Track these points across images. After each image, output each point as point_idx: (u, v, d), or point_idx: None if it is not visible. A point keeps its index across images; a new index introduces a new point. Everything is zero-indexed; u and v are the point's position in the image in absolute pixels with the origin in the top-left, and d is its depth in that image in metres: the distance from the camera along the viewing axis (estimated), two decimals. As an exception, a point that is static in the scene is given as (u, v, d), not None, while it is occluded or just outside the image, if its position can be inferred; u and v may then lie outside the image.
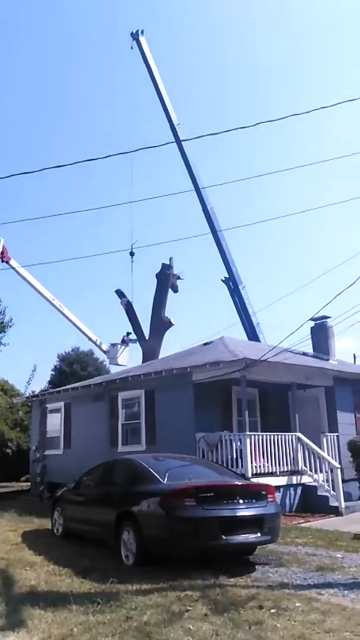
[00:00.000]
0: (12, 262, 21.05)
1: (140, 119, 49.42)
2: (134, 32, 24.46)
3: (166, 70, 45.59)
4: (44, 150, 56.77)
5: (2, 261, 20.94)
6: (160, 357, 21.72)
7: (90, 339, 23.96)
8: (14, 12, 47.73)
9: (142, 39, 24.53)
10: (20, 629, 4.52)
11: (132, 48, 24.38)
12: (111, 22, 47.14)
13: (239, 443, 12.31)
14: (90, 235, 58.84)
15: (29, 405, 20.73)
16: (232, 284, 23.52)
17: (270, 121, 8.30)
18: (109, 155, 9.26)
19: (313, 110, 8.57)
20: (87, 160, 9.76)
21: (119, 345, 23.66)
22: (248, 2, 48.81)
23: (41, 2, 49.30)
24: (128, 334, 24.17)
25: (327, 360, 16.13)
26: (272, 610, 4.90)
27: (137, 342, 24.09)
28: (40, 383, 33.01)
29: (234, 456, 12.23)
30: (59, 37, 49.85)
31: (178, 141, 21.88)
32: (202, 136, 9.95)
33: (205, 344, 16.28)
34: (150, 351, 22.93)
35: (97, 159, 9.37)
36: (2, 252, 20.77)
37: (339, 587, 5.75)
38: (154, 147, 9.87)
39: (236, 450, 12.29)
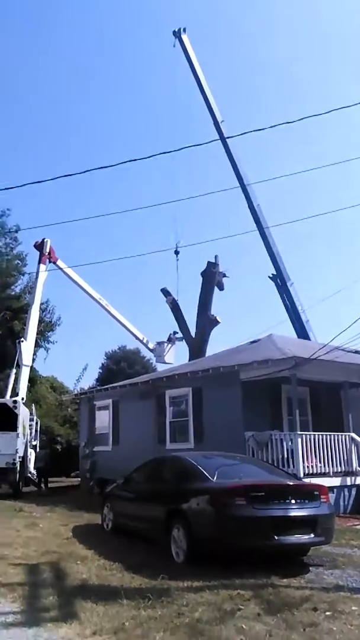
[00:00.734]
0: (59, 262, 21.56)
1: (183, 119, 49.46)
2: (177, 30, 24.60)
3: (210, 67, 45.28)
4: (82, 151, 57.81)
5: (50, 262, 21.48)
6: (206, 355, 21.71)
7: (137, 338, 24.21)
8: (53, 6, 48.63)
9: (184, 37, 24.58)
10: (73, 621, 4.60)
11: (174, 46, 24.59)
12: (151, 21, 47.41)
13: (289, 442, 12.23)
14: (136, 235, 59.42)
15: (78, 403, 21.04)
16: (280, 280, 23.23)
17: (315, 115, 8.09)
18: (153, 155, 9.44)
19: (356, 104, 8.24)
20: (131, 161, 9.95)
21: (166, 344, 23.79)
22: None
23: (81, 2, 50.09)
24: (174, 332, 24.27)
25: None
26: (328, 613, 4.81)
27: (184, 341, 24.17)
28: (88, 380, 33.67)
29: (285, 456, 12.17)
30: (97, 35, 50.55)
31: (223, 138, 21.79)
32: (246, 132, 9.62)
33: (253, 342, 16.26)
34: (196, 349, 22.98)
35: (142, 158, 9.54)
36: (50, 253, 21.33)
37: None
38: (199, 145, 10.23)
39: (287, 449, 12.23)
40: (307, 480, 11.11)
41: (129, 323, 23.63)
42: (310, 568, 6.74)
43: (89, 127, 56.84)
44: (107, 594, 5.37)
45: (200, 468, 7.51)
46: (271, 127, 9.23)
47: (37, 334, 22.19)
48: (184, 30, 24.76)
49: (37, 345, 26.13)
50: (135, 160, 9.72)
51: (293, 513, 6.70)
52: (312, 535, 6.72)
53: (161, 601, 5.13)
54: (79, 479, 19.00)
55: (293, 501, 6.80)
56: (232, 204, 49.04)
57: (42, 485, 19.81)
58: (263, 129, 9.32)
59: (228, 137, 21.34)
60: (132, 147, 54.58)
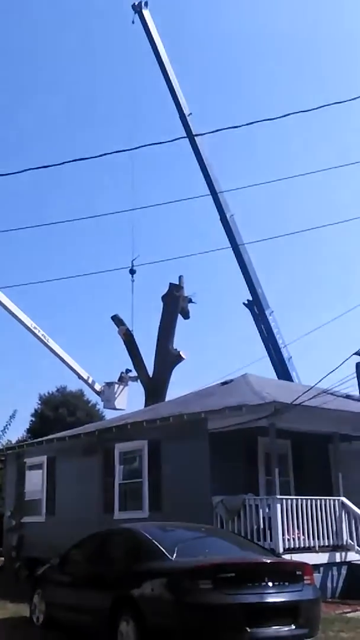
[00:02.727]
0: None
1: (143, 111, 50.33)
2: (136, 3, 25.36)
3: (176, 49, 46.48)
4: (23, 149, 57.93)
5: None
6: (167, 399, 21.82)
7: (80, 377, 24.14)
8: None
9: (145, 12, 25.28)
10: None
11: (133, 22, 25.31)
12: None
13: (267, 509, 12.30)
14: (79, 249, 59.34)
15: (2, 460, 20.74)
16: (257, 308, 23.62)
17: (303, 111, 8.42)
18: (106, 154, 9.57)
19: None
20: (78, 160, 9.88)
21: (116, 385, 23.79)
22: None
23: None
24: (127, 370, 24.34)
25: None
26: None
27: (139, 381, 24.25)
28: (17, 432, 33.09)
29: (261, 526, 12.21)
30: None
31: (190, 135, 22.29)
32: (219, 130, 9.82)
33: (224, 384, 16.37)
34: (154, 392, 23.14)
35: (91, 157, 9.61)
36: None
37: None
38: (160, 143, 10.01)
39: (264, 518, 12.30)
40: (287, 556, 11.16)
41: (70, 359, 23.56)
42: (291, 668, 6.75)
43: (20, 118, 57.00)
44: None
45: (156, 543, 7.54)
46: (249, 124, 9.36)
47: None
48: (146, 4, 25.45)
49: None
50: (83, 159, 9.81)
51: (270, 599, 6.75)
52: (293, 627, 6.76)
53: None
54: (2, 558, 18.64)
55: (270, 584, 6.86)
56: (202, 215, 49.55)
57: None
58: (238, 127, 9.53)
59: (196, 135, 21.83)
60: (77, 143, 54.95)
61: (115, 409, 23.58)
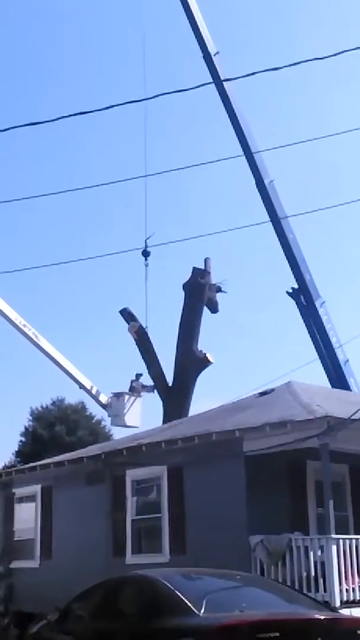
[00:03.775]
0: None
1: (161, 53, 49.98)
2: None
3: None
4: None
5: None
6: (191, 414, 21.74)
7: (81, 387, 24.20)
8: None
9: None
10: None
11: None
12: None
13: (319, 552, 12.27)
14: (80, 229, 59.31)
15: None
16: (305, 298, 23.35)
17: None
18: (113, 106, 9.95)
19: None
20: (82, 113, 10.08)
21: (126, 396, 23.79)
22: None
23: None
24: (138, 376, 24.35)
25: None
26: None
27: (155, 391, 24.29)
28: (3, 455, 33.39)
29: (312, 573, 12.17)
30: None
31: (217, 81, 22.05)
32: (256, 73, 9.75)
33: (262, 394, 16.35)
34: (175, 405, 23.12)
35: (94, 111, 9.95)
36: None
37: None
38: (180, 91, 10.25)
39: (315, 563, 12.25)
40: (345, 611, 11.11)
41: (68, 363, 23.63)
42: None
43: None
44: None
45: (180, 594, 7.55)
46: (293, 64, 9.41)
47: None
48: None
49: None
50: (85, 113, 10.03)
51: (325, 665, 6.72)
52: None
53: None
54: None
55: (324, 646, 6.81)
56: (233, 182, 48.81)
57: None
58: (279, 68, 9.59)
59: (225, 80, 21.61)
60: (81, 94, 54.92)
61: (125, 426, 23.66)
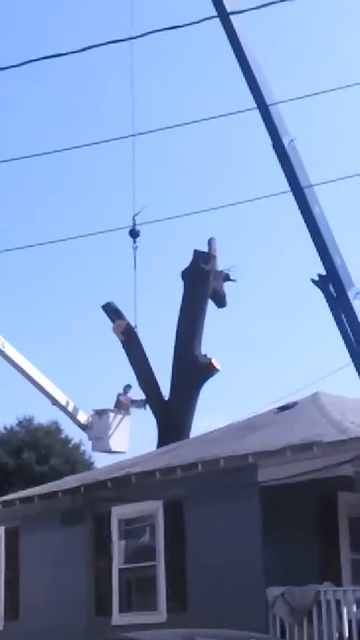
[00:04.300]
0: None
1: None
2: None
3: None
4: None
5: None
6: (192, 434, 21.60)
7: (55, 403, 23.98)
8: None
9: None
10: None
11: None
12: None
13: (354, 607, 11.87)
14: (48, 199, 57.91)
15: None
16: (334, 287, 22.54)
17: None
18: (92, 47, 9.82)
19: None
20: (54, 56, 10.08)
21: (111, 414, 23.52)
22: None
23: None
24: (127, 389, 24.01)
25: None
26: None
27: (147, 407, 23.92)
28: None
29: (346, 634, 11.81)
30: None
31: (222, 14, 21.04)
32: (271, 3, 9.64)
33: (282, 409, 16.13)
34: (172, 423, 22.66)
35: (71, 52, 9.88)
36: None
37: None
38: (173, 28, 10.13)
39: (350, 622, 11.84)
40: None
41: (40, 375, 23.34)
42: None
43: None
44: None
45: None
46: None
47: None
48: None
49: None
50: (59, 55, 10.05)
51: None
52: None
53: None
54: None
55: None
56: (243, 142, 47.48)
57: None
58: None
59: (233, 13, 20.53)
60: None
61: (110, 451, 23.43)
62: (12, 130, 56.46)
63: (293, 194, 21.78)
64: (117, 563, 14.67)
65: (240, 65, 22.40)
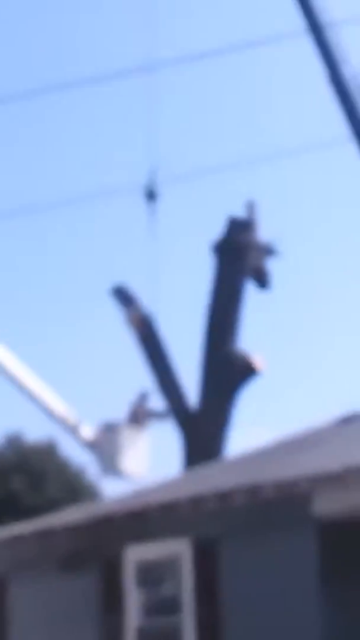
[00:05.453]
0: None
1: None
2: None
3: None
4: None
5: None
6: (227, 454, 20.99)
7: (52, 415, 23.67)
8: None
9: None
10: None
11: None
12: None
13: None
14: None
15: None
16: None
17: None
18: None
19: None
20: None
21: (123, 428, 23.07)
22: None
23: None
24: (144, 396, 23.73)
25: None
26: None
27: (170, 419, 23.58)
28: None
29: None
30: None
31: None
32: None
33: (345, 421, 16.03)
34: (202, 439, 22.05)
35: None
36: None
37: None
38: None
39: None
40: None
41: (31, 377, 22.90)
42: None
43: None
44: None
45: None
46: None
47: None
48: None
49: None
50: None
51: None
52: None
53: None
54: None
55: None
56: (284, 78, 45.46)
57: None
58: None
59: None
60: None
61: (123, 476, 23.03)
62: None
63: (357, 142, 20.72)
64: (132, 618, 14.25)
65: None
